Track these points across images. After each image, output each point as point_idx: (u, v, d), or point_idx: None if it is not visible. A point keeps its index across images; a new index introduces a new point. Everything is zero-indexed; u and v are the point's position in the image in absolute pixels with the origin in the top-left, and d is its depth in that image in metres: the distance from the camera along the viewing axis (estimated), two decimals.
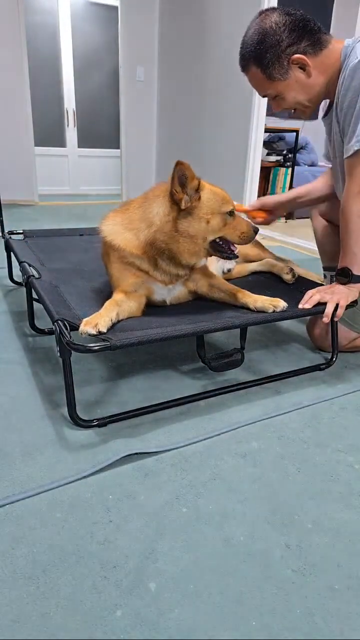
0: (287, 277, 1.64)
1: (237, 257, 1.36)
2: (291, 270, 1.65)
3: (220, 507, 0.92)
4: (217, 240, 1.29)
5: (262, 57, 1.30)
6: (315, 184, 1.72)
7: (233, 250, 1.33)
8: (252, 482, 0.99)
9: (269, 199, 1.70)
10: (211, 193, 1.24)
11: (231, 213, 1.27)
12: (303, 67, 1.30)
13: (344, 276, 1.39)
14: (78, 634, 0.67)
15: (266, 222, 1.71)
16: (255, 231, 1.32)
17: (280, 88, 1.34)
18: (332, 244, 1.78)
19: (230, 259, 1.36)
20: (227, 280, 1.50)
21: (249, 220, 1.35)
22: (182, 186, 1.19)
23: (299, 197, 1.70)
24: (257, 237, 1.44)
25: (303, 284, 1.61)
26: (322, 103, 1.46)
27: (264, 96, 1.42)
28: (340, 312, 1.36)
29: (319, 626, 0.70)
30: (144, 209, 1.29)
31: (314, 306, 1.36)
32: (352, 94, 1.26)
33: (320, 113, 1.54)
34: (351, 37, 1.36)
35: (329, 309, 1.34)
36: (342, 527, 0.88)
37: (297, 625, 0.70)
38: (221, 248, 1.32)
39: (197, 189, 1.22)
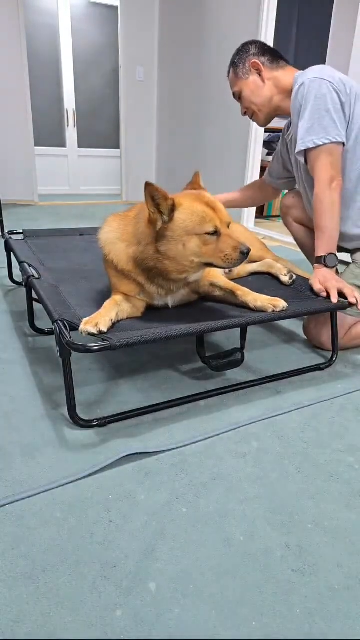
0: (285, 279, 1.64)
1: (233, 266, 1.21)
2: (289, 272, 1.66)
3: (220, 507, 0.92)
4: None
5: (234, 60, 1.65)
6: (235, 194, 2.01)
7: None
8: (252, 482, 0.99)
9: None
10: (187, 213, 1.15)
11: (213, 233, 1.16)
12: (259, 72, 1.60)
13: (320, 262, 1.49)
14: (78, 634, 0.67)
15: None
16: (244, 252, 1.16)
17: (242, 85, 1.64)
18: (313, 245, 1.82)
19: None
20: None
21: (240, 241, 1.18)
22: (157, 207, 1.15)
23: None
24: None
25: (303, 284, 1.61)
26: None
27: (233, 94, 1.69)
28: (355, 293, 1.42)
29: (319, 626, 0.70)
30: (135, 223, 1.26)
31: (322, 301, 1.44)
32: (293, 114, 1.52)
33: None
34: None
35: (334, 295, 1.41)
36: (342, 527, 0.88)
37: (297, 625, 0.70)
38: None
39: (172, 209, 1.15)
